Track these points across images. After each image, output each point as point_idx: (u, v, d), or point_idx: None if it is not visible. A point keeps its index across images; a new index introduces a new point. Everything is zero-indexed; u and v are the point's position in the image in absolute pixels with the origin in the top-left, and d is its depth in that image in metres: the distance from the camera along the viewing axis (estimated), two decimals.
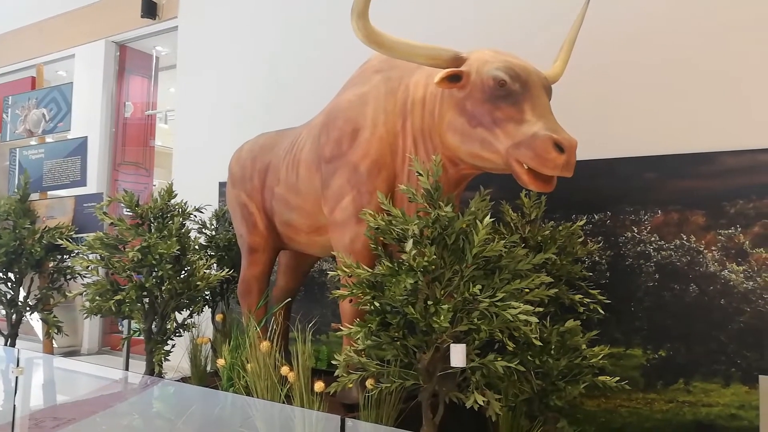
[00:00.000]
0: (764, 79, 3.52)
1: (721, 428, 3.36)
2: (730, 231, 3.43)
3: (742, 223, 3.41)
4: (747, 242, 3.39)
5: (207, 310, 4.57)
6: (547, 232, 3.44)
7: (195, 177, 6.14)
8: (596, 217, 3.79)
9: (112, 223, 3.89)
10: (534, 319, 2.55)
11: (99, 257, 3.94)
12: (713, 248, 3.46)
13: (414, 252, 2.61)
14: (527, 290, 2.74)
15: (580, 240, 3.43)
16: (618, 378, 2.90)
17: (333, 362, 2.90)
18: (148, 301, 3.87)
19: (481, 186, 3.11)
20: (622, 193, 3.75)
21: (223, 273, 4.10)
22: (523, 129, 2.60)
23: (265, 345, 3.25)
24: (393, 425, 2.94)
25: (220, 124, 6.22)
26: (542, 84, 2.75)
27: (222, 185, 5.51)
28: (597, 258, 3.75)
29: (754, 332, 3.33)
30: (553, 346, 2.99)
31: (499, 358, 2.67)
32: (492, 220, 2.67)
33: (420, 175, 2.79)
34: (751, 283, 3.36)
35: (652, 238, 3.62)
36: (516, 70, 2.70)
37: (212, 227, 4.89)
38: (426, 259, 2.59)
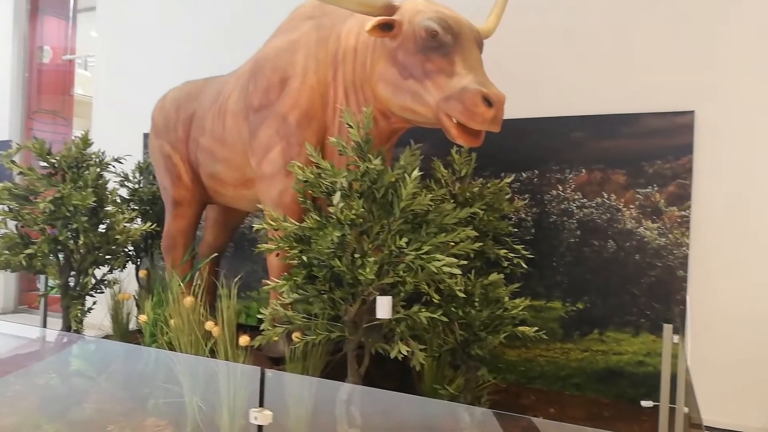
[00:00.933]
0: (684, 48, 3.65)
1: (629, 374, 3.60)
2: (647, 190, 3.60)
3: (659, 182, 3.57)
4: (662, 201, 3.57)
5: (131, 267, 4.39)
6: (476, 188, 3.49)
7: (117, 127, 5.79)
8: (524, 175, 3.87)
9: (21, 172, 3.62)
10: (458, 272, 2.59)
11: (7, 209, 3.67)
12: (631, 206, 3.63)
13: (342, 205, 2.58)
14: (453, 244, 2.78)
15: (508, 197, 3.50)
16: (536, 328, 3.02)
17: (259, 316, 2.86)
18: (63, 255, 3.67)
19: (411, 140, 3.10)
20: (550, 152, 3.84)
21: (146, 227, 3.93)
22: (453, 82, 2.58)
23: (189, 300, 3.16)
24: (319, 376, 2.96)
25: (143, 72, 5.86)
26: (474, 37, 2.73)
27: (147, 136, 5.23)
28: (523, 215, 3.85)
29: (663, 285, 3.55)
30: (476, 299, 3.07)
31: (423, 310, 2.72)
32: (420, 174, 2.66)
33: (350, 127, 2.73)
34: (663, 239, 3.55)
35: (576, 196, 3.75)
36: (448, 22, 2.66)
37: (135, 180, 4.66)
38: (354, 212, 2.56)
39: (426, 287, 2.86)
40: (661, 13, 3.72)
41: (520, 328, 3.11)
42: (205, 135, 3.66)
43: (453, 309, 3.03)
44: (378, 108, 2.90)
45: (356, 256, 2.60)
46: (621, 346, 3.62)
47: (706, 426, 3.57)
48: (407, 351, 2.69)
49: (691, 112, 3.54)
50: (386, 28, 2.68)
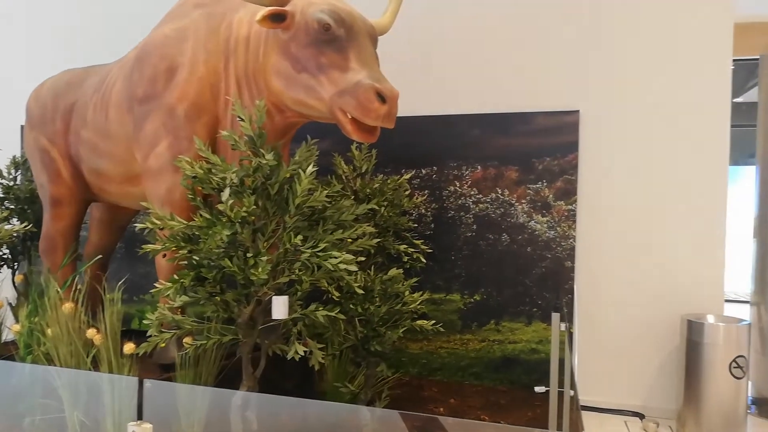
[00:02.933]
0: (570, 50, 3.85)
1: (523, 361, 3.76)
2: (537, 185, 3.77)
3: (548, 178, 3.75)
4: (551, 196, 3.75)
5: (7, 271, 4.00)
6: (377, 185, 3.49)
7: None
8: (423, 171, 3.93)
9: None
10: (355, 268, 2.56)
11: None
12: (523, 201, 3.78)
13: (231, 202, 2.47)
14: (350, 240, 2.75)
15: (407, 193, 3.54)
16: (434, 321, 3.07)
17: (146, 322, 2.68)
18: None
19: (308, 135, 3.04)
20: (448, 149, 3.92)
21: (20, 227, 3.58)
22: (347, 77, 2.54)
23: (68, 307, 2.91)
24: (213, 382, 2.83)
25: (19, 58, 5.34)
26: (368, 32, 2.71)
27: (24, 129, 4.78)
28: (423, 210, 3.90)
29: (553, 276, 3.74)
30: (376, 294, 3.07)
31: (321, 308, 2.67)
32: (315, 169, 2.60)
33: (242, 120, 2.62)
34: (552, 232, 3.74)
35: (472, 192, 3.85)
36: (341, 15, 2.61)
37: (10, 176, 4.23)
38: (245, 209, 2.46)
39: (326, 285, 2.82)
40: (550, 17, 3.90)
41: (419, 321, 3.15)
42: (86, 127, 3.39)
43: (352, 306, 3.02)
44: (272, 101, 2.81)
45: (249, 255, 2.50)
46: (516, 335, 3.78)
47: (592, 406, 3.82)
48: (304, 351, 2.64)
49: (576, 112, 3.74)
50: (278, 19, 2.60)
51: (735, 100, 9.11)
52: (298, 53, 2.64)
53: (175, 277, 2.53)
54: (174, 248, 2.57)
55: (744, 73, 7.25)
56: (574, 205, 3.72)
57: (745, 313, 4.40)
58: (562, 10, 3.86)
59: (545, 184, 3.75)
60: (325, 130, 3.10)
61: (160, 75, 2.94)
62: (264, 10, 2.55)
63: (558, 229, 3.73)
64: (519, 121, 3.80)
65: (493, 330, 3.81)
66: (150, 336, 2.62)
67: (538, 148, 3.77)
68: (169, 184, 2.91)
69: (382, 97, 2.48)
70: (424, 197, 3.88)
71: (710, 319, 3.52)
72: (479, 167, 3.85)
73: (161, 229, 2.58)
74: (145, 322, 2.68)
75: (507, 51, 3.95)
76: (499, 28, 3.97)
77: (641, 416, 3.71)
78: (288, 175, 2.58)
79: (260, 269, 2.40)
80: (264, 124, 2.63)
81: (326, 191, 2.68)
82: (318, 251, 2.57)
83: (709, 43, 3.64)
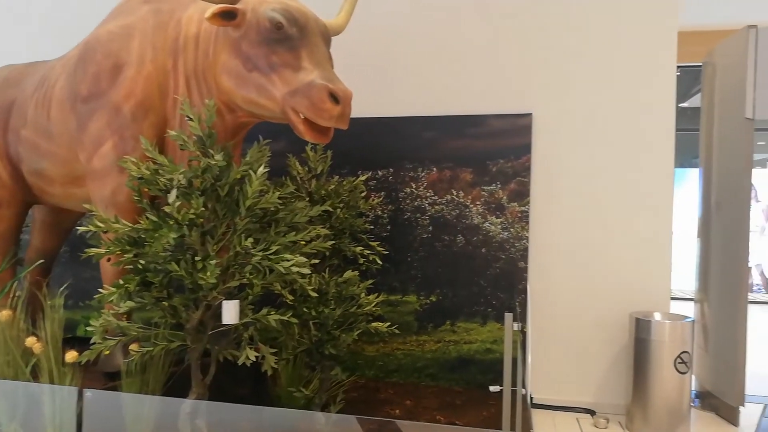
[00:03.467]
0: (523, 53, 3.91)
1: (478, 361, 3.79)
2: (491, 187, 3.81)
3: (502, 180, 3.80)
4: (505, 197, 3.80)
5: None
6: (332, 186, 3.45)
7: None
8: (380, 173, 3.92)
9: None
10: (307, 271, 2.52)
11: None
12: (477, 203, 3.82)
13: (178, 204, 2.39)
14: (303, 242, 2.71)
15: (363, 195, 3.51)
16: (389, 323, 3.06)
17: (89, 329, 2.58)
18: None
19: (260, 136, 2.99)
20: (404, 150, 3.92)
21: None
22: (300, 76, 2.51)
23: (4, 314, 2.77)
24: (161, 390, 2.74)
25: None
26: (321, 32, 2.68)
27: None
28: (380, 212, 3.89)
29: (507, 276, 3.79)
30: (331, 297, 3.04)
31: (273, 312, 2.62)
32: (267, 170, 2.56)
33: (191, 120, 2.55)
34: (506, 233, 3.79)
35: (428, 194, 3.87)
36: (294, 14, 2.58)
37: None
38: (193, 211, 2.39)
39: (279, 288, 2.77)
40: (503, 21, 3.95)
41: (374, 324, 3.14)
42: (27, 126, 3.23)
43: (306, 309, 2.98)
44: (222, 100, 2.74)
45: (197, 259, 2.43)
46: (471, 336, 3.81)
47: (545, 404, 3.88)
48: (256, 356, 2.58)
49: (529, 115, 3.81)
50: (228, 16, 2.54)
51: (680, 105, 9.48)
52: (249, 52, 2.59)
53: (120, 281, 2.44)
54: (119, 252, 2.48)
55: (689, 79, 7.55)
56: (527, 206, 3.78)
57: (690, 310, 4.56)
58: (515, 15, 3.92)
59: (499, 186, 3.80)
60: (279, 130, 3.05)
61: (105, 73, 2.83)
62: (214, 8, 2.49)
63: (512, 230, 3.78)
64: (473, 123, 3.84)
65: (449, 331, 3.83)
66: (94, 343, 2.52)
67: (492, 151, 3.81)
68: (114, 185, 2.81)
69: (335, 98, 2.45)
70: (381, 199, 3.87)
71: (657, 316, 3.63)
72: (435, 169, 3.87)
73: (105, 232, 2.49)
74: (88, 329, 2.57)
75: (461, 53, 3.98)
76: (453, 31, 4.00)
77: (592, 413, 3.80)
78: (238, 176, 2.53)
79: (209, 273, 2.34)
80: (214, 123, 2.57)
81: (278, 193, 2.64)
82: (270, 254, 2.52)
83: (654, 50, 3.76)
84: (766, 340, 7.00)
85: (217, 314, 2.54)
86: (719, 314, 4.01)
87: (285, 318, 2.63)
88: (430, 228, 3.86)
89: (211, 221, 2.54)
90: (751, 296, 8.96)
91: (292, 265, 2.51)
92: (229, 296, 2.56)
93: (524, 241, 3.77)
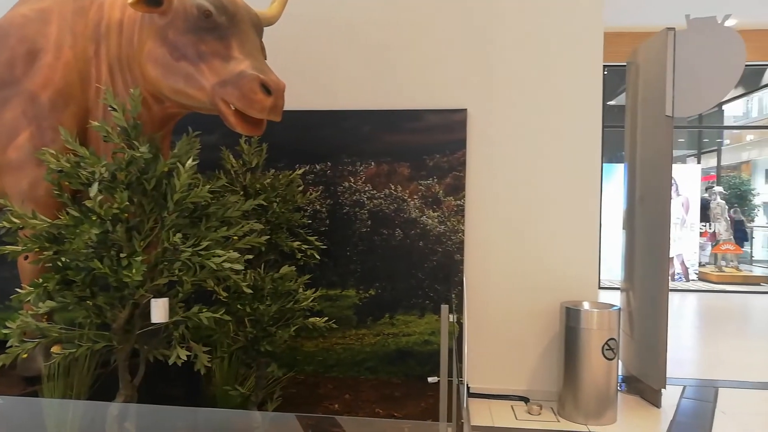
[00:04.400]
0: (459, 49, 3.97)
1: (417, 353, 3.83)
2: (428, 181, 3.85)
3: (438, 174, 3.85)
4: (441, 191, 3.85)
5: None
6: (268, 180, 3.39)
7: None
8: (318, 167, 3.88)
9: None
10: (240, 267, 2.47)
11: None
12: (415, 197, 3.85)
13: (100, 198, 2.28)
14: (236, 238, 2.65)
15: (300, 189, 3.47)
16: (327, 318, 3.04)
17: (3, 330, 2.42)
18: None
19: (189, 128, 2.89)
20: (342, 144, 3.90)
21: None
22: (230, 66, 2.44)
23: None
24: (87, 393, 2.62)
25: None
26: (252, 21, 2.61)
27: None
28: (318, 206, 3.86)
29: (444, 269, 3.85)
30: (266, 293, 2.99)
31: (205, 310, 2.55)
32: (195, 163, 2.48)
33: (114, 110, 2.44)
34: (442, 226, 3.84)
35: (366, 188, 3.87)
36: (223, 2, 2.50)
37: None
38: (116, 205, 2.29)
39: (212, 285, 2.69)
40: (439, 18, 3.99)
41: (311, 319, 3.11)
42: None
43: (240, 306, 2.91)
44: (149, 90, 2.64)
45: (122, 255, 2.33)
46: (410, 328, 3.84)
47: (481, 393, 3.98)
48: (188, 355, 2.50)
49: (464, 110, 3.87)
50: (153, 2, 2.43)
51: (608, 102, 9.91)
52: (176, 40, 2.50)
53: (38, 280, 2.30)
54: (37, 249, 2.34)
55: (616, 78, 7.89)
56: (462, 200, 3.85)
57: (618, 299, 4.79)
58: (451, 12, 3.97)
59: (436, 180, 3.85)
60: (213, 122, 2.96)
61: (19, 59, 2.66)
62: None
63: (448, 223, 3.84)
64: (410, 118, 3.87)
65: (388, 324, 3.85)
66: (10, 346, 2.37)
67: (429, 145, 3.85)
68: (32, 178, 2.65)
69: (267, 89, 2.40)
70: (318, 193, 3.84)
71: (586, 306, 3.78)
72: (373, 163, 3.87)
73: (21, 228, 2.34)
74: (3, 331, 2.42)
75: (398, 48, 4.00)
76: (390, 25, 4.01)
77: (526, 400, 3.92)
78: (166, 169, 2.44)
79: (134, 270, 2.24)
80: (140, 114, 2.48)
81: (209, 186, 2.56)
82: (200, 250, 2.45)
83: (582, 50, 3.90)
84: (687, 326, 7.44)
85: (146, 313, 2.45)
86: (643, 302, 4.23)
87: (217, 316, 2.56)
88: (369, 222, 3.87)
89: (137, 216, 2.44)
90: (672, 285, 9.52)
91: (224, 261, 2.45)
92: (158, 294, 2.47)
93: (460, 234, 3.84)
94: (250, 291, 2.78)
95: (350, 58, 4.01)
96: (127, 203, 2.33)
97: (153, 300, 2.41)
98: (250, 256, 2.79)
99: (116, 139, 2.45)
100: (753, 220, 13.65)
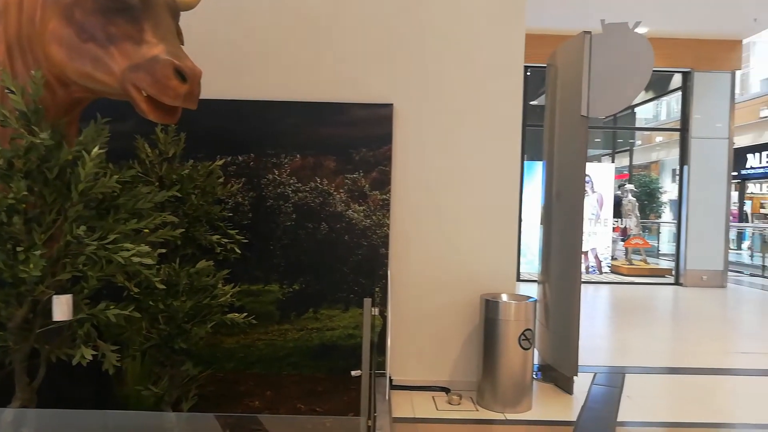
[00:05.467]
0: (386, 44, 3.97)
1: (340, 347, 3.82)
2: (354, 175, 3.84)
3: (364, 168, 3.85)
4: (367, 185, 3.85)
5: None
6: (186, 171, 3.26)
7: None
8: (240, 158, 3.77)
9: None
10: (151, 261, 2.36)
11: None
12: (341, 190, 3.83)
13: None
14: (147, 231, 2.53)
15: (221, 180, 3.36)
16: (246, 314, 2.97)
17: None
18: None
19: (98, 113, 2.73)
20: (266, 135, 3.81)
21: None
22: (142, 50, 2.31)
23: None
24: None
25: None
26: (167, 4, 2.49)
27: None
28: (240, 199, 3.75)
29: (369, 263, 3.85)
30: (181, 288, 2.88)
31: (112, 307, 2.41)
32: (103, 151, 2.34)
33: (12, 93, 2.25)
34: (368, 220, 3.85)
35: (291, 181, 3.80)
36: None
37: None
38: (12, 195, 2.12)
39: (122, 280, 2.56)
40: (368, 13, 3.97)
41: (230, 315, 3.02)
42: None
43: (152, 302, 2.79)
44: (53, 73, 2.45)
45: (19, 249, 2.16)
46: (334, 322, 3.83)
47: (403, 385, 4.03)
48: (94, 354, 2.37)
49: (390, 105, 3.88)
50: None
51: (532, 102, 10.28)
52: (83, 20, 2.33)
53: None
54: None
55: (539, 79, 8.18)
56: (388, 194, 3.86)
57: (535, 291, 4.99)
58: (380, 7, 3.97)
59: (362, 174, 3.84)
60: (129, 109, 2.80)
61: None
62: None
63: (373, 217, 3.85)
64: (337, 111, 3.84)
65: (312, 318, 3.82)
66: None
67: (355, 139, 3.84)
68: None
69: (182, 75, 2.29)
70: (240, 185, 3.73)
71: (504, 297, 3.90)
72: (298, 156, 3.81)
73: None
74: None
75: (325, 40, 3.95)
76: (318, 16, 3.95)
77: (447, 390, 4.01)
78: (70, 158, 2.28)
79: (32, 265, 2.09)
80: (42, 98, 2.30)
81: (117, 176, 2.43)
82: (107, 243, 2.31)
83: (504, 50, 4.01)
84: (599, 316, 7.88)
85: (47, 310, 2.29)
86: (558, 294, 4.42)
87: (126, 312, 2.44)
88: (294, 216, 3.81)
89: (37, 207, 2.27)
90: (586, 277, 10.05)
91: (133, 255, 2.33)
92: (61, 290, 2.32)
93: (385, 228, 3.86)
94: (163, 287, 2.66)
95: (277, 48, 3.92)
96: (26, 193, 2.16)
97: (55, 297, 2.26)
98: (164, 250, 2.67)
99: (14, 124, 2.27)
100: (660, 217, 14.65)
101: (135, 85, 2.32)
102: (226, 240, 3.28)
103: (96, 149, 2.28)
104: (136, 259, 2.29)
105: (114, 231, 2.34)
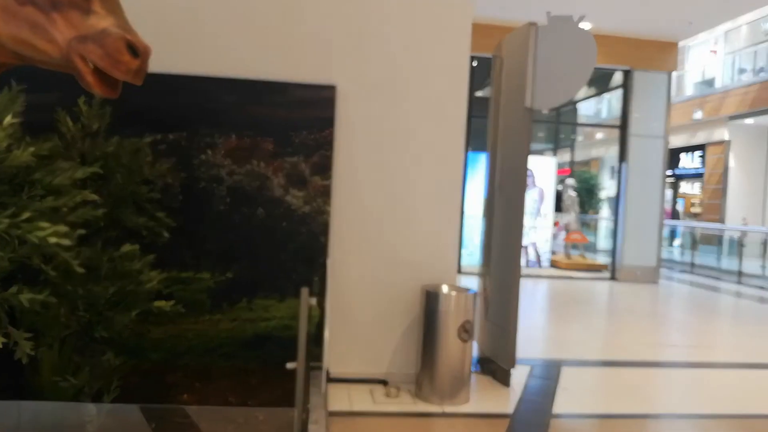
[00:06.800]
0: (331, 23, 3.85)
1: (276, 338, 3.69)
2: (294, 159, 3.70)
3: (305, 152, 3.71)
4: (307, 170, 3.72)
5: None
6: (111, 148, 3.05)
7: None
8: (171, 136, 3.56)
9: None
10: (67, 242, 2.18)
11: None
12: (279, 174, 3.68)
13: None
14: (66, 209, 2.33)
15: (149, 159, 3.16)
16: (174, 302, 2.81)
17: None
18: None
19: (12, 80, 2.49)
20: (200, 113, 3.61)
21: None
22: (91, 21, 2.16)
23: None
24: None
25: None
26: None
27: None
28: (170, 180, 3.54)
29: (307, 251, 3.73)
30: (103, 273, 2.69)
31: (26, 291, 2.22)
32: (16, 121, 2.14)
33: None
34: (307, 207, 3.72)
35: (226, 162, 3.62)
36: None
37: None
38: None
39: (38, 262, 2.35)
40: None
41: (156, 303, 2.85)
42: None
43: (71, 287, 2.59)
44: None
45: None
46: (269, 312, 3.68)
47: (341, 377, 3.94)
48: (5, 342, 2.17)
49: (333, 87, 3.76)
50: None
51: (479, 93, 10.34)
52: None
53: None
54: None
55: (485, 69, 8.22)
56: (329, 180, 3.75)
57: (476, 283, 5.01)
58: None
59: (302, 158, 3.71)
60: (54, 78, 2.55)
61: None
62: None
63: (313, 204, 3.73)
64: (275, 91, 3.68)
65: (246, 308, 3.66)
66: None
67: (296, 121, 3.70)
68: None
69: (134, 51, 2.14)
70: (170, 165, 3.51)
71: (444, 289, 3.87)
72: (234, 136, 3.63)
73: None
74: None
75: (268, 15, 3.78)
76: None
77: (385, 383, 3.95)
78: None
79: None
80: None
81: (32, 149, 2.23)
82: (20, 221, 2.12)
83: (451, 38, 3.96)
84: (537, 309, 8.06)
85: None
86: (498, 286, 4.45)
87: (41, 297, 2.25)
88: (228, 199, 3.63)
89: None
90: (526, 270, 10.27)
91: (50, 235, 2.14)
92: None
93: (325, 216, 3.74)
94: (83, 270, 2.47)
95: (213, 19, 3.72)
96: None
97: None
98: (84, 231, 2.48)
99: None
100: (598, 213, 15.17)
101: (81, 57, 2.15)
102: (154, 223, 3.09)
103: (9, 118, 2.09)
104: (52, 240, 2.12)
105: (28, 208, 2.17)
